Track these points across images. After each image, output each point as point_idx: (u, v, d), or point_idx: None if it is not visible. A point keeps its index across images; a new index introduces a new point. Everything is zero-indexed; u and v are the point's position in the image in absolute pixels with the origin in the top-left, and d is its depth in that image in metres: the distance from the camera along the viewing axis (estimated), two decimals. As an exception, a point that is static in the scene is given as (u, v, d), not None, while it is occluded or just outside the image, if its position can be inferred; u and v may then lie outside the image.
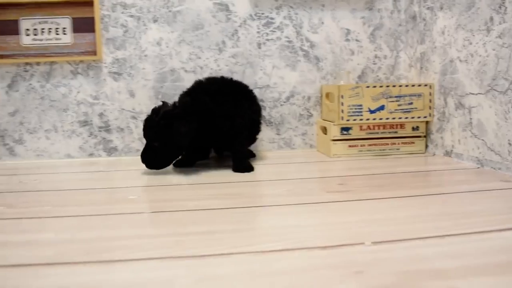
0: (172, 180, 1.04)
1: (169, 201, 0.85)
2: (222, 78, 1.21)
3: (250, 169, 1.11)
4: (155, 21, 1.35)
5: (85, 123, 1.37)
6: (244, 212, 0.75)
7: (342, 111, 1.27)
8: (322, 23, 1.40)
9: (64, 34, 1.33)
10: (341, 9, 1.40)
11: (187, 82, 1.37)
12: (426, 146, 1.34)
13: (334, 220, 0.69)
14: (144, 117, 1.35)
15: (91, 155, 1.38)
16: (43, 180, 1.07)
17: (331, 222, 0.69)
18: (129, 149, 1.39)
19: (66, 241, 0.62)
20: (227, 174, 1.08)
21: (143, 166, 1.11)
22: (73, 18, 1.33)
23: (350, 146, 1.31)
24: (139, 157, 1.11)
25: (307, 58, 1.41)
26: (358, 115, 1.28)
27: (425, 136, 1.34)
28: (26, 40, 1.32)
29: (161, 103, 1.14)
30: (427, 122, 1.34)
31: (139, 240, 0.62)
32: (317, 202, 0.80)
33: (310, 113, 1.43)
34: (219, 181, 1.01)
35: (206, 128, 1.09)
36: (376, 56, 1.44)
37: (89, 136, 1.38)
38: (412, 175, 1.02)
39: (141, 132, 1.35)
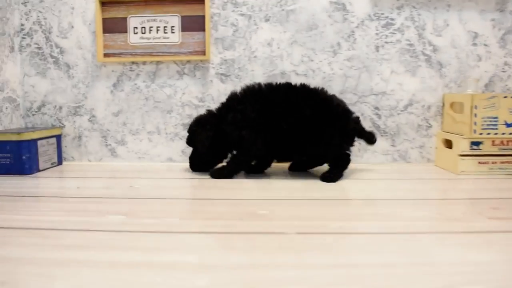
0: (286, 193, 0.94)
1: (307, 219, 0.75)
2: (290, 85, 1.12)
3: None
4: (267, 20, 1.27)
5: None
6: (404, 239, 0.64)
7: (475, 123, 1.14)
8: (447, 25, 1.27)
9: (172, 32, 1.27)
10: (468, 9, 1.27)
11: (297, 86, 1.28)
12: None
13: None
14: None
15: (192, 160, 1.31)
16: (154, 186, 1.00)
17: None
18: (232, 155, 1.31)
19: (217, 267, 0.53)
20: (329, 188, 0.97)
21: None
22: (182, 16, 1.27)
23: (480, 162, 1.17)
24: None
25: (429, 63, 1.28)
26: (492, 129, 1.14)
27: None
28: (133, 38, 1.28)
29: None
30: None
31: (309, 272, 0.52)
32: (486, 231, 0.68)
33: (430, 124, 1.30)
34: (331, 197, 0.91)
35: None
36: (506, 63, 1.30)
37: (192, 140, 1.31)
38: None
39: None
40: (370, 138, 1.11)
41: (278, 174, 1.14)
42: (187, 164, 1.29)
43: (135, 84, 1.30)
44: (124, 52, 1.28)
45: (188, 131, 1.16)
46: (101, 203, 0.84)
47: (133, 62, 1.29)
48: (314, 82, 1.28)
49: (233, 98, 1.11)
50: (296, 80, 1.28)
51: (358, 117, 1.11)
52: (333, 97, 1.09)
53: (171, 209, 0.80)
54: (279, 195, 0.92)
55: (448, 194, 0.95)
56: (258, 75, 1.28)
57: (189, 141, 1.16)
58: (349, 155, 1.10)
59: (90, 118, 1.32)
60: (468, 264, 0.54)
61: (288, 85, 1.09)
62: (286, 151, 1.08)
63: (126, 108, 1.30)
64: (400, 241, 0.62)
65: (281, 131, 1.03)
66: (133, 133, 1.31)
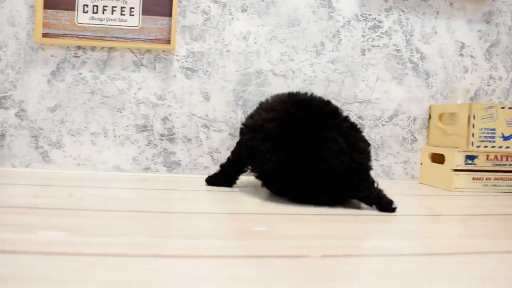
0: (273, 209, 0.76)
1: (318, 238, 0.57)
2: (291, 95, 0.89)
3: None
4: (243, 10, 1.10)
5: (143, 129, 1.08)
6: (455, 262, 0.48)
7: (473, 135, 1.04)
8: (435, 32, 1.19)
9: (131, 15, 1.06)
10: (456, 18, 1.20)
11: (275, 88, 1.12)
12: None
13: None
14: (218, 126, 1.08)
15: (146, 169, 1.08)
16: (102, 196, 0.77)
17: None
18: (195, 165, 1.10)
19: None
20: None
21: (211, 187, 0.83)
22: (143, -2, 1.07)
23: (474, 178, 1.07)
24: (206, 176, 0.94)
25: (416, 71, 1.18)
26: (490, 141, 1.05)
27: (555, 174, 1.11)
28: (82, 18, 1.05)
29: None
30: (560, 157, 1.12)
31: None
32: None
33: (415, 137, 1.19)
34: (330, 212, 0.74)
35: None
36: (490, 77, 1.23)
37: (147, 145, 1.08)
38: None
39: (212, 146, 1.08)
40: None
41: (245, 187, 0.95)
42: (139, 174, 1.06)
43: (80, 74, 1.06)
44: (69, 34, 1.04)
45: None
46: (29, 215, 0.60)
47: (79, 47, 1.05)
48: (293, 84, 1.12)
49: None
50: (273, 81, 1.12)
51: None
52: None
53: (133, 224, 0.58)
54: (250, 210, 0.73)
55: (458, 210, 0.81)
56: (231, 73, 1.10)
57: None
58: None
59: (18, 112, 1.05)
60: None
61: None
62: None
63: (66, 103, 1.06)
64: (454, 263, 0.46)
65: None
66: (73, 134, 1.06)
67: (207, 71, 1.10)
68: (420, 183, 1.18)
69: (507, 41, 1.23)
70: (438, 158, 1.13)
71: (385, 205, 0.74)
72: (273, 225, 0.61)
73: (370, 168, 0.79)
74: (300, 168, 0.73)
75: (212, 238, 0.53)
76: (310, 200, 0.77)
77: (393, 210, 0.74)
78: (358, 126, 0.84)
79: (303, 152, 0.73)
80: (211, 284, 0.38)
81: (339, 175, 0.73)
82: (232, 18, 1.10)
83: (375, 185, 0.77)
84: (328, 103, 0.84)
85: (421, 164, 1.19)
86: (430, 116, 1.19)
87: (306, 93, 0.87)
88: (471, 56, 1.21)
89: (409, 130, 1.18)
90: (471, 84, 1.21)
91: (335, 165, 0.72)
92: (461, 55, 1.21)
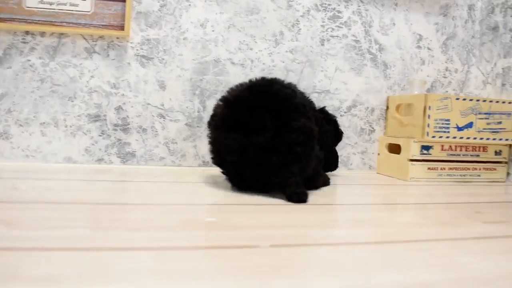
0: (229, 199, 0.75)
1: (270, 228, 0.56)
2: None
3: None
4: (201, -3, 1.08)
5: (96, 118, 1.04)
6: (404, 250, 0.49)
7: (428, 125, 1.05)
8: (394, 24, 1.20)
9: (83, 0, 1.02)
10: (414, 10, 1.21)
11: (233, 77, 1.10)
12: (507, 174, 1.15)
13: None
14: (174, 116, 1.06)
15: (99, 160, 1.05)
16: (47, 187, 0.74)
17: None
18: (151, 156, 1.07)
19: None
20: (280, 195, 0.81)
21: (177, 179, 0.82)
22: (96, -18, 1.02)
23: (429, 168, 1.09)
24: (163, 167, 0.94)
25: (374, 62, 1.19)
26: (444, 132, 1.07)
27: (506, 162, 1.15)
28: (30, 1, 1.00)
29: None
30: (510, 146, 1.15)
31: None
32: (493, 236, 0.55)
33: (373, 127, 1.20)
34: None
35: None
36: (447, 69, 1.25)
37: (100, 136, 1.05)
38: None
39: (168, 136, 1.06)
40: None
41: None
42: (92, 166, 1.03)
43: (28, 60, 1.01)
44: (16, 18, 0.99)
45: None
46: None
47: (27, 32, 1.00)
48: (251, 74, 1.11)
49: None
50: (231, 70, 1.10)
51: None
52: None
53: (78, 217, 0.55)
54: (206, 200, 0.71)
55: (421, 199, 0.82)
56: (187, 61, 1.08)
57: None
58: None
59: (-40, 100, 0.99)
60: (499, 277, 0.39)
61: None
62: None
63: (13, 91, 1.01)
64: (405, 252, 0.46)
65: None
66: (21, 124, 1.01)
67: (163, 59, 1.07)
68: (377, 173, 1.19)
69: (463, 34, 1.26)
70: (395, 149, 1.14)
71: (289, 194, 0.71)
72: (226, 216, 0.60)
73: (303, 155, 0.75)
74: (226, 142, 0.75)
75: (158, 230, 0.51)
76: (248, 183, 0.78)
77: (298, 200, 0.70)
78: (310, 111, 0.82)
79: (231, 129, 0.75)
80: (150, 278, 0.36)
81: (262, 153, 0.72)
82: (190, 4, 1.07)
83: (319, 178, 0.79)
84: (277, 87, 0.80)
85: (379, 154, 1.20)
86: (387, 107, 1.20)
87: (272, 79, 0.86)
88: (428, 48, 1.23)
89: (367, 120, 1.19)
90: (428, 75, 1.23)
91: (257, 140, 0.72)
92: (419, 47, 1.22)
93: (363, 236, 0.53)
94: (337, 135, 1.05)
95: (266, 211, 0.64)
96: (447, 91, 1.25)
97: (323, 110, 1.01)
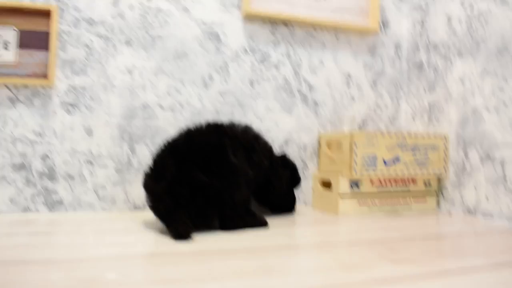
0: (162, 247, 0.73)
1: (175, 282, 0.55)
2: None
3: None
4: (128, 44, 1.09)
5: (21, 167, 1.03)
6: None
7: (355, 162, 1.07)
8: (323, 64, 1.24)
9: (6, 49, 1.02)
10: (342, 50, 1.25)
11: (163, 121, 1.11)
12: (437, 204, 1.17)
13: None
14: (102, 162, 1.05)
15: (26, 209, 1.02)
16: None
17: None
18: (79, 203, 1.05)
19: None
20: (226, 236, 0.80)
21: (103, 225, 0.80)
22: (20, 31, 1.03)
23: (360, 203, 1.10)
24: (91, 214, 0.85)
25: (305, 102, 1.22)
26: (372, 167, 1.09)
27: (436, 193, 1.17)
28: (-51, 53, 0.99)
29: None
30: (439, 178, 1.18)
31: None
32: (396, 278, 0.56)
33: (306, 164, 1.22)
34: (222, 247, 0.73)
35: None
36: (377, 105, 1.29)
37: (25, 185, 1.03)
38: (459, 238, 0.82)
39: (97, 182, 1.05)
40: None
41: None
42: (18, 215, 1.00)
43: None
44: None
45: None
46: None
47: None
48: (181, 117, 1.12)
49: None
50: (160, 114, 1.10)
51: None
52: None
53: None
54: (128, 251, 0.70)
55: (339, 237, 0.82)
56: (115, 107, 1.08)
57: None
58: None
59: None
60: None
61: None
62: None
63: None
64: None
65: None
66: None
67: (90, 106, 1.07)
68: (313, 208, 1.19)
69: (391, 72, 1.31)
70: (328, 185, 1.16)
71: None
72: (131, 270, 0.58)
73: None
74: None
75: None
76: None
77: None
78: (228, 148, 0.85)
79: None
80: None
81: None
82: (116, 51, 1.08)
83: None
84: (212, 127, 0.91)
85: (313, 190, 1.21)
86: (320, 144, 1.22)
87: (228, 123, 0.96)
88: (358, 86, 1.27)
89: (300, 158, 1.21)
90: (358, 112, 1.27)
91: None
92: (348, 85, 1.26)
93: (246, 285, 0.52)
94: (295, 179, 1.10)
95: (180, 260, 0.63)
96: (378, 126, 1.29)
97: (284, 157, 1.09)
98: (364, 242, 0.79)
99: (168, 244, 0.74)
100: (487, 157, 1.02)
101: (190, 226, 0.78)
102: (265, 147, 1.00)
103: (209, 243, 0.75)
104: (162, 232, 0.83)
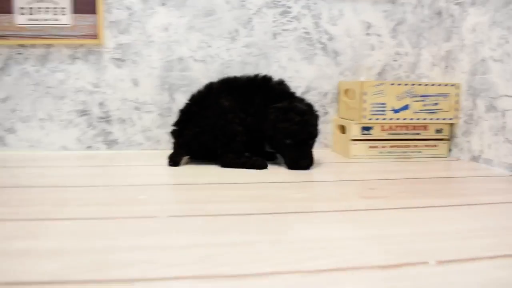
0: (185, 179, 0.94)
1: (187, 203, 0.75)
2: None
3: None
4: (163, 4, 1.24)
5: (83, 113, 1.26)
6: (276, 219, 0.66)
7: (365, 109, 1.18)
8: (342, 14, 1.31)
9: (63, 14, 1.21)
10: (362, 0, 1.31)
11: (196, 72, 1.27)
12: (449, 150, 1.26)
13: (383, 233, 0.60)
14: (148, 108, 1.25)
15: (89, 147, 1.27)
16: (38, 174, 0.96)
17: (380, 234, 0.60)
18: (131, 143, 1.28)
19: (71, 252, 0.52)
20: (241, 173, 0.98)
21: (148, 161, 1.02)
22: (73, -2, 1.21)
23: (370, 147, 1.22)
24: (142, 152, 1.05)
25: (325, 51, 1.32)
26: (381, 114, 1.20)
27: (448, 139, 1.26)
28: (20, 19, 1.20)
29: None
30: (451, 125, 1.26)
31: (160, 253, 0.52)
32: (354, 210, 0.71)
33: (326, 110, 1.34)
34: (234, 181, 0.91)
35: None
36: (397, 53, 1.36)
37: (88, 127, 1.26)
38: (447, 181, 0.94)
39: (144, 125, 1.25)
40: None
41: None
42: (83, 152, 1.24)
43: (24, 68, 1.23)
44: (11, 34, 1.21)
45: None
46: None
47: (20, 45, 1.22)
48: (212, 68, 1.27)
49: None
50: (194, 66, 1.27)
51: None
52: None
53: (45, 197, 0.77)
54: (162, 181, 0.91)
55: (333, 177, 0.98)
56: (155, 61, 1.26)
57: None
58: None
59: (-26, 104, 1.23)
60: (327, 240, 0.56)
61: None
62: None
63: (15, 94, 1.23)
64: (268, 220, 0.64)
65: None
66: (24, 121, 1.24)
67: (134, 60, 1.25)
68: (332, 151, 1.34)
69: (412, 19, 1.35)
70: (343, 129, 1.28)
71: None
72: (158, 194, 0.79)
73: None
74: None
75: (89, 205, 0.70)
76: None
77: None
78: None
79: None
80: (77, 236, 0.56)
81: None
82: (153, 11, 1.24)
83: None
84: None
85: (333, 134, 1.35)
86: (339, 92, 1.33)
87: (253, 75, 1.14)
88: (377, 35, 1.34)
89: (321, 104, 1.33)
90: (378, 60, 1.35)
91: None
92: (368, 34, 1.33)
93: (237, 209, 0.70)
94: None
95: (198, 190, 0.82)
96: (397, 74, 1.36)
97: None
98: (355, 181, 0.94)
99: (189, 176, 0.95)
100: (491, 107, 1.09)
101: (180, 157, 1.07)
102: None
103: (225, 178, 0.94)
104: (188, 167, 1.03)
